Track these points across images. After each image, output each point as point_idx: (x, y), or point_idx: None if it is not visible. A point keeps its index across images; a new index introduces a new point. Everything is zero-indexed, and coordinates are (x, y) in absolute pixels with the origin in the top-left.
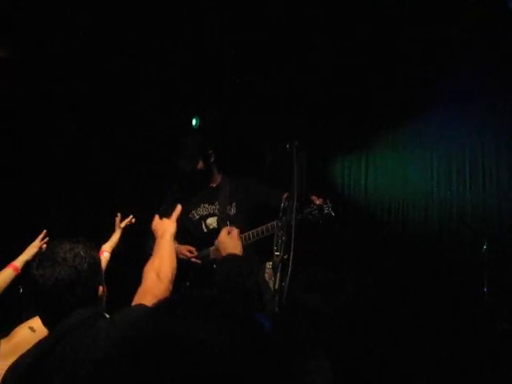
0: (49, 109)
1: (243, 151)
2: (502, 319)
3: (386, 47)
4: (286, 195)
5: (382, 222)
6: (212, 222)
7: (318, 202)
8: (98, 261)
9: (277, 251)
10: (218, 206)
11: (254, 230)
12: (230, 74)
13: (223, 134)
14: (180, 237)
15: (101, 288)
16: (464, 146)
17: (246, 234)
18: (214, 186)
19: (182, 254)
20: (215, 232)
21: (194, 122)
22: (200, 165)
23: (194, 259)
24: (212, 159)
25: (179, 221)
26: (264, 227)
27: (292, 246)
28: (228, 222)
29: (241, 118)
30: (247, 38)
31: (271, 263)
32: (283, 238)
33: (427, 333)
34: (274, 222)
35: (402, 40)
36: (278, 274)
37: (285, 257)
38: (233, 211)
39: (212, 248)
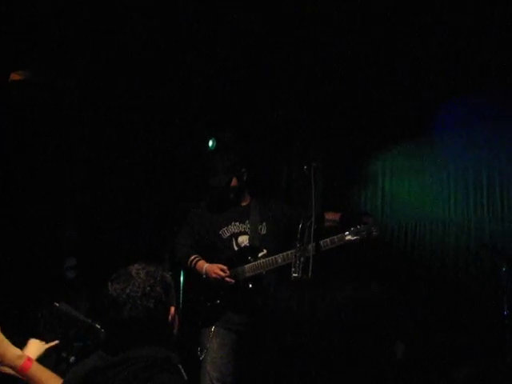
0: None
1: (261, 172)
2: None
3: (403, 68)
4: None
5: (399, 247)
6: (243, 239)
7: (364, 221)
8: (170, 282)
9: (295, 273)
10: (249, 225)
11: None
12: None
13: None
14: (209, 255)
15: (172, 309)
16: (481, 169)
17: (275, 256)
18: (244, 204)
19: (214, 273)
20: (247, 250)
21: (210, 143)
22: (234, 182)
23: (227, 278)
24: (245, 177)
25: (207, 238)
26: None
27: (310, 266)
28: (259, 242)
29: (258, 139)
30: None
31: None
32: (301, 259)
33: (448, 358)
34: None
35: (416, 61)
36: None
37: (303, 277)
38: (263, 231)
39: (247, 266)
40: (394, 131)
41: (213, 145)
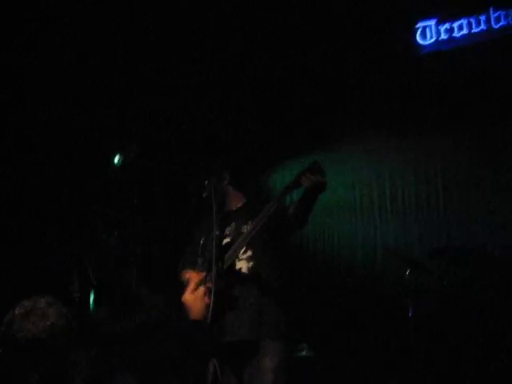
0: None
1: (170, 189)
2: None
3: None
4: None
5: (308, 253)
6: (226, 242)
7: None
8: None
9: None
10: (233, 227)
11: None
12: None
13: (147, 171)
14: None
15: None
16: (384, 178)
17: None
18: (234, 208)
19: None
20: (227, 246)
21: (116, 159)
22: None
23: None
24: (226, 182)
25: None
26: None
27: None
28: (241, 238)
29: (166, 154)
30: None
31: None
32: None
33: (357, 360)
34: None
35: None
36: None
37: (207, 277)
38: (247, 229)
39: None
40: (298, 144)
41: (119, 161)
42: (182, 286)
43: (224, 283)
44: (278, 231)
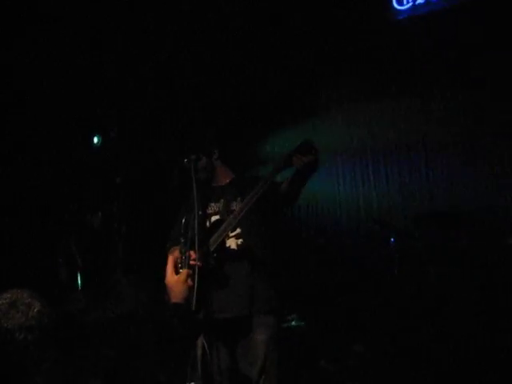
0: None
1: (150, 170)
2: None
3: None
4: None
5: (294, 226)
6: (215, 218)
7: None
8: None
9: (181, 268)
10: (222, 203)
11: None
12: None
13: (128, 152)
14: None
15: None
16: (366, 149)
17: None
18: (222, 184)
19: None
20: (218, 224)
21: (95, 140)
22: (203, 162)
23: (192, 262)
24: (216, 157)
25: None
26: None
27: (198, 259)
28: (232, 217)
29: (146, 134)
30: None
31: None
32: (186, 254)
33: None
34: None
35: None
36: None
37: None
38: (237, 206)
39: (211, 239)
40: (280, 116)
41: (98, 141)
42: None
43: (213, 262)
44: (267, 209)
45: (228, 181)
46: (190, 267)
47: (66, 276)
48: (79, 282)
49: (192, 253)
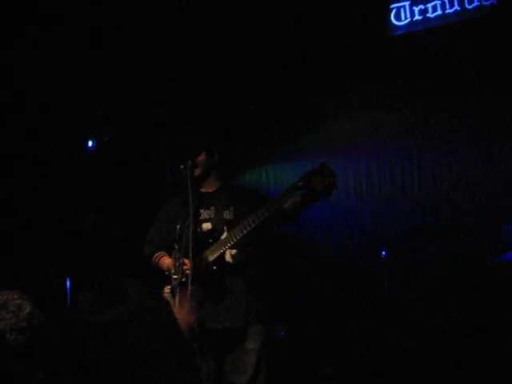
0: None
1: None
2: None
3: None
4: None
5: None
6: (206, 227)
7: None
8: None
9: (174, 274)
10: (213, 211)
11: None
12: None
13: (121, 155)
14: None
15: None
16: (360, 158)
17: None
18: (212, 190)
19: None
20: (207, 234)
21: (90, 143)
22: (197, 168)
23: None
24: (208, 162)
25: (173, 232)
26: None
27: (192, 267)
28: (225, 227)
29: (139, 138)
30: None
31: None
32: (180, 261)
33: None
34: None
35: None
36: (177, 296)
37: (183, 279)
38: (230, 216)
39: (208, 251)
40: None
41: (93, 145)
42: (155, 269)
43: (210, 272)
44: (267, 225)
45: (215, 188)
46: (183, 273)
47: (55, 278)
48: (68, 285)
49: (186, 261)
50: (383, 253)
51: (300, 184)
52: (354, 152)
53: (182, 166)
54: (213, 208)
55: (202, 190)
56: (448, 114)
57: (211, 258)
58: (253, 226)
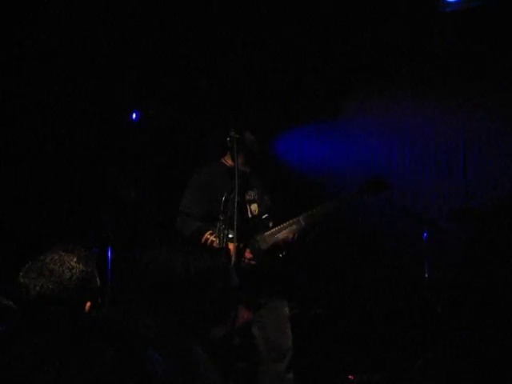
0: None
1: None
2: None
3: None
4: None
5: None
6: (255, 208)
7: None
8: (90, 275)
9: (219, 245)
10: (256, 193)
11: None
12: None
13: (166, 128)
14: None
15: (88, 304)
16: (402, 132)
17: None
18: (245, 171)
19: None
20: (256, 219)
21: (134, 115)
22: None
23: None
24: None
25: (218, 205)
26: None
27: (236, 240)
28: (267, 211)
29: (184, 112)
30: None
31: None
32: (225, 232)
33: (376, 322)
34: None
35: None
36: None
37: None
38: (269, 202)
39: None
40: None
41: (137, 117)
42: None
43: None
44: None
45: (249, 170)
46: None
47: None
48: (109, 256)
49: (247, 252)
50: (424, 234)
51: (364, 189)
52: (398, 136)
53: (228, 139)
54: (255, 189)
55: (239, 167)
56: (496, 97)
57: (269, 244)
58: (312, 220)
